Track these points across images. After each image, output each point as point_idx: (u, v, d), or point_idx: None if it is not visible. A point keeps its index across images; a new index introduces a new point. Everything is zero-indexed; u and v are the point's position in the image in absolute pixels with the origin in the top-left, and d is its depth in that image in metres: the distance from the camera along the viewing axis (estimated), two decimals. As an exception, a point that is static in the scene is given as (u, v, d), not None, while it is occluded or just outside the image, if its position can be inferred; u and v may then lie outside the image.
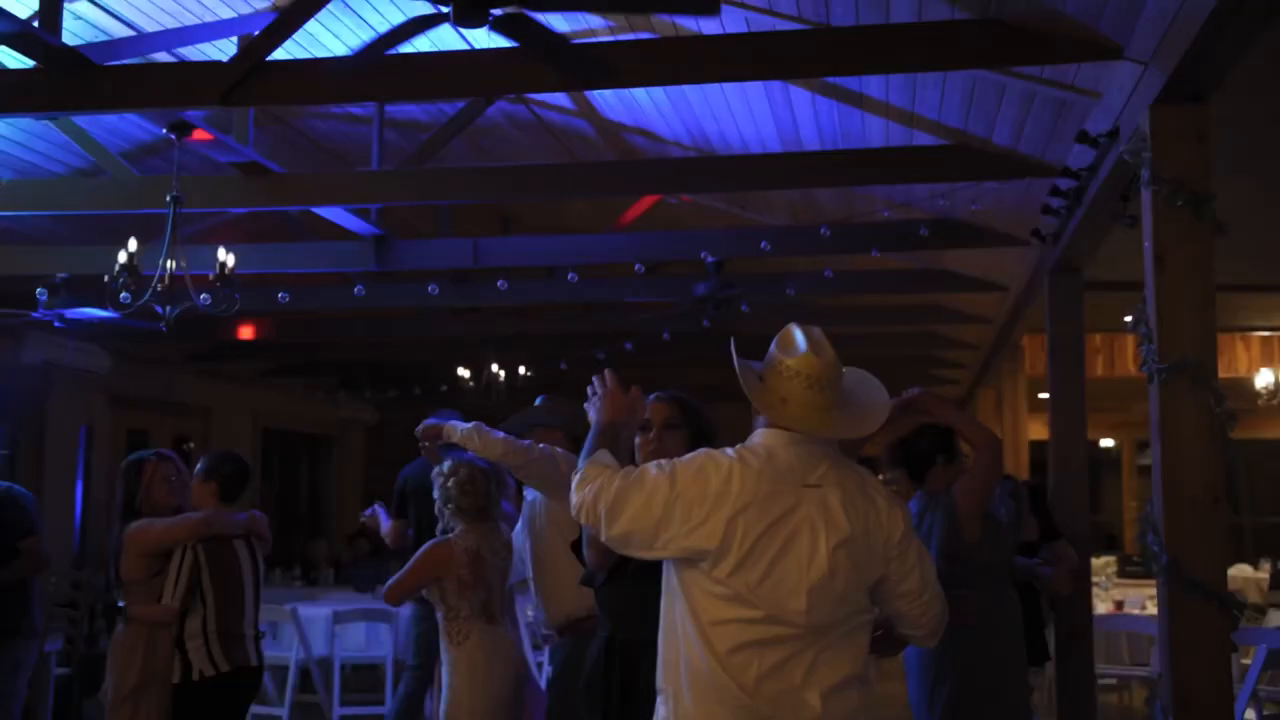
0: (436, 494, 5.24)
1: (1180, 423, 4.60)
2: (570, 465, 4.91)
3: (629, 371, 12.34)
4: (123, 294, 5.98)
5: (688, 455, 3.13)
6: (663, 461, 3.12)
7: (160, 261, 6.21)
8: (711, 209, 9.84)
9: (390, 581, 5.21)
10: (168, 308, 6.21)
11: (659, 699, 3.15)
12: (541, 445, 5.03)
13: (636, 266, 7.69)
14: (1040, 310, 9.87)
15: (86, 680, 9.76)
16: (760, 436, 3.15)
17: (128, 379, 13.33)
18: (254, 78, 5.33)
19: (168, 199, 6.25)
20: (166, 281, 6.20)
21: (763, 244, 7.30)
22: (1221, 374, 14.66)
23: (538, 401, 5.55)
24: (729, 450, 3.10)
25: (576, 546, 3.89)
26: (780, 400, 3.08)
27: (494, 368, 11.82)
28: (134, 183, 7.14)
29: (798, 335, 3.12)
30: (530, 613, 9.17)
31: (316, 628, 9.31)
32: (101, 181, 7.37)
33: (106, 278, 6.16)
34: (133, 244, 6.15)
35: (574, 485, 3.21)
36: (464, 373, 12.13)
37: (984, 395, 15.09)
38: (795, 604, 2.95)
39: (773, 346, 3.16)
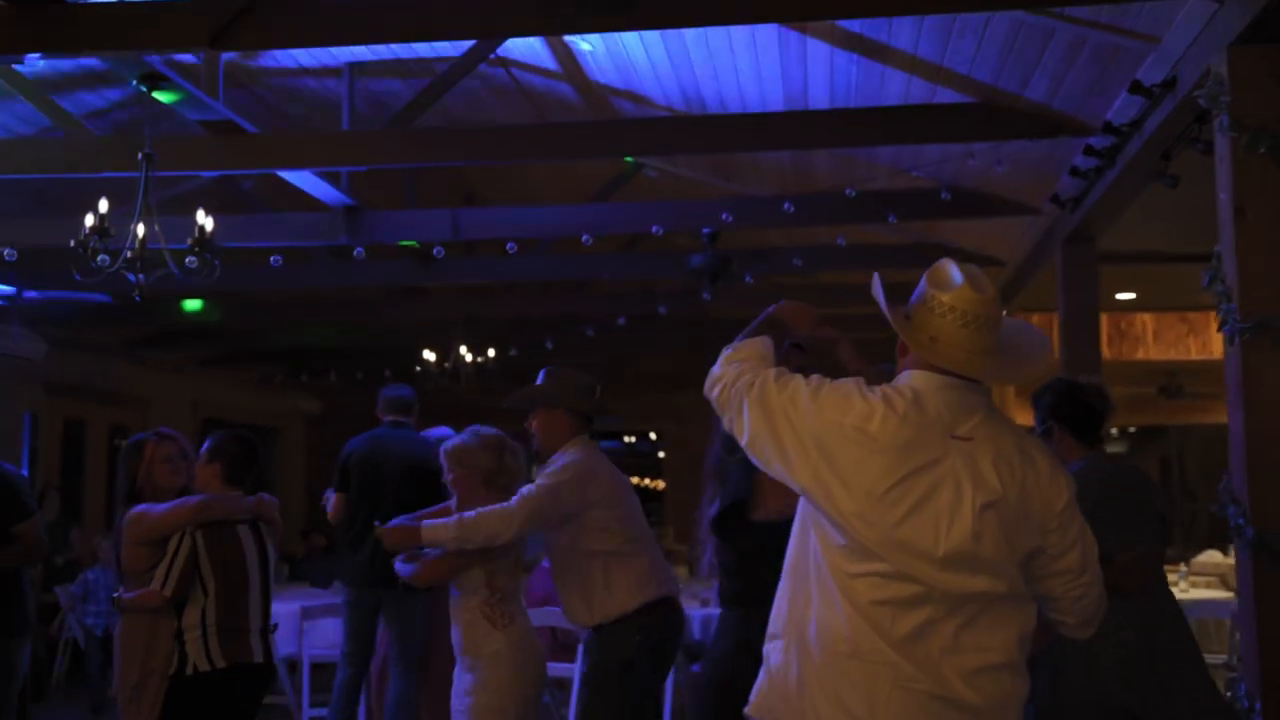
0: (485, 463, 4.89)
1: (1263, 386, 4.36)
2: (555, 493, 4.74)
3: (604, 353, 11.82)
4: (100, 256, 5.54)
5: (839, 380, 2.86)
6: (814, 377, 2.87)
7: (131, 226, 5.78)
8: (692, 181, 9.53)
9: (429, 558, 4.80)
10: (140, 275, 5.78)
11: (769, 646, 2.87)
12: (524, 490, 4.76)
13: (654, 228, 7.32)
14: (1033, 289, 9.68)
15: (35, 682, 9.31)
16: (908, 378, 2.85)
17: (63, 366, 12.78)
18: (245, 19, 4.93)
19: (140, 156, 5.81)
20: (139, 248, 5.77)
21: (786, 205, 6.96)
22: (1195, 355, 14.47)
23: (540, 378, 5.22)
24: (875, 389, 2.81)
25: (719, 522, 3.67)
26: (929, 339, 2.79)
27: (462, 350, 11.41)
28: (94, 143, 6.70)
29: (952, 269, 2.83)
30: None
31: (283, 625, 8.87)
32: (58, 142, 6.90)
33: (73, 242, 5.71)
34: (104, 204, 5.71)
35: (721, 357, 3.01)
36: (430, 356, 11.71)
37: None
38: (930, 565, 2.66)
39: (923, 282, 2.87)
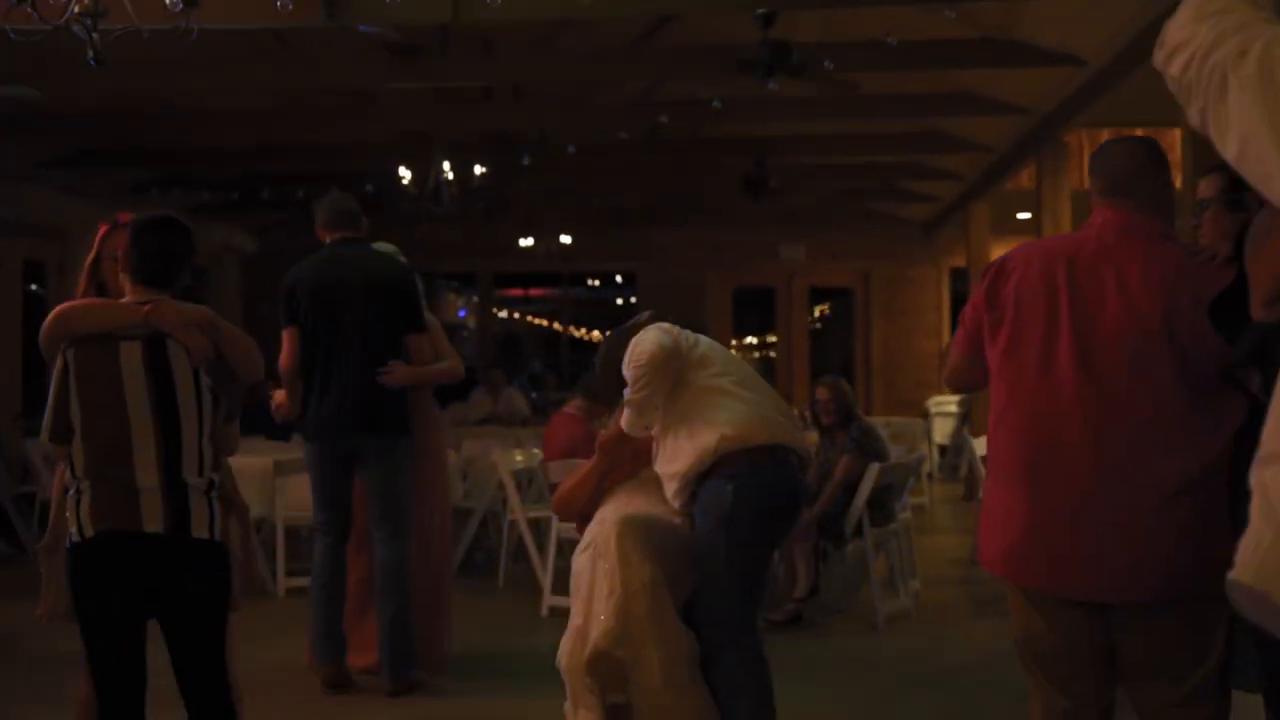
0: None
1: None
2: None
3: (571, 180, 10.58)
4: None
5: None
6: None
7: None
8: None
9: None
10: (95, 35, 4.65)
11: (1266, 472, 1.92)
12: None
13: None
14: (1118, 98, 8.65)
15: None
16: None
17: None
18: None
19: None
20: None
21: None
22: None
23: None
24: None
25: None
26: None
27: (444, 166, 10.26)
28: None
29: None
30: None
31: (251, 484, 7.92)
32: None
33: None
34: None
35: (1184, 7, 2.00)
36: (405, 173, 10.55)
37: (975, 211, 13.97)
38: None
39: None
